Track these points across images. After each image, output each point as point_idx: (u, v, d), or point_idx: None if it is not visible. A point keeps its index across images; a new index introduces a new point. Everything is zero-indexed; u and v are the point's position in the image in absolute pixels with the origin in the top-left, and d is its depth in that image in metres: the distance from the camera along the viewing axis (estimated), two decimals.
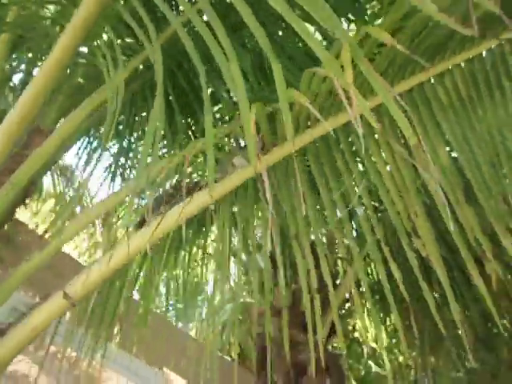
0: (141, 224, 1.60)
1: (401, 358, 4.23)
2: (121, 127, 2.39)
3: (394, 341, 4.22)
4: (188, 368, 4.59)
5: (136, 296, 3.13)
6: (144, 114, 2.46)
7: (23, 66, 2.12)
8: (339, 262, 3.49)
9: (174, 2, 2.06)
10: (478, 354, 3.56)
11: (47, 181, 4.58)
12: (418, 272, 1.41)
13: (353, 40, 0.89)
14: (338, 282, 3.39)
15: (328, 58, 0.78)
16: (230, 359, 5.45)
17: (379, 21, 3.03)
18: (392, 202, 1.48)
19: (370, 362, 4.89)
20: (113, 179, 2.29)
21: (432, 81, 1.53)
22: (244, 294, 4.43)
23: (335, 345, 3.45)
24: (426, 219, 1.45)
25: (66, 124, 1.62)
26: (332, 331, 3.25)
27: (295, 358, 2.98)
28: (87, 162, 2.22)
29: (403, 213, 1.47)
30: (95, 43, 1.76)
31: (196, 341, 5.35)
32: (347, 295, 3.47)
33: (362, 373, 4.70)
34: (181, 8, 2.11)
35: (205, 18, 1.53)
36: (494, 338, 3.74)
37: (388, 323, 3.93)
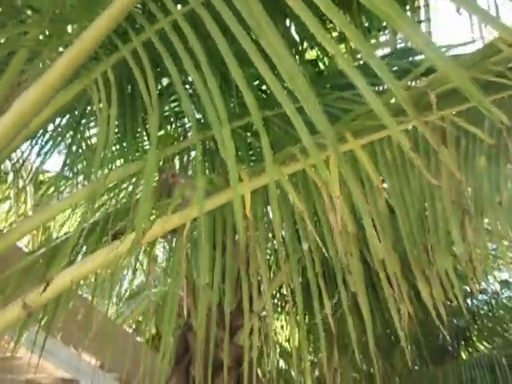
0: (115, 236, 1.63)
1: (309, 357, 4.55)
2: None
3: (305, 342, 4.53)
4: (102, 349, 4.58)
5: None
6: None
7: None
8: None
9: None
10: (376, 361, 3.99)
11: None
12: (346, 307, 1.62)
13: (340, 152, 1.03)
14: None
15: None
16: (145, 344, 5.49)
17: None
18: (332, 241, 1.67)
19: (277, 358, 5.21)
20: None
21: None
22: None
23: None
24: (358, 260, 1.66)
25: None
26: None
27: (216, 355, 3.12)
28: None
29: (340, 251, 1.66)
30: None
31: (112, 322, 5.32)
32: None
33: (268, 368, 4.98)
34: None
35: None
36: (391, 349, 4.23)
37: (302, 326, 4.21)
